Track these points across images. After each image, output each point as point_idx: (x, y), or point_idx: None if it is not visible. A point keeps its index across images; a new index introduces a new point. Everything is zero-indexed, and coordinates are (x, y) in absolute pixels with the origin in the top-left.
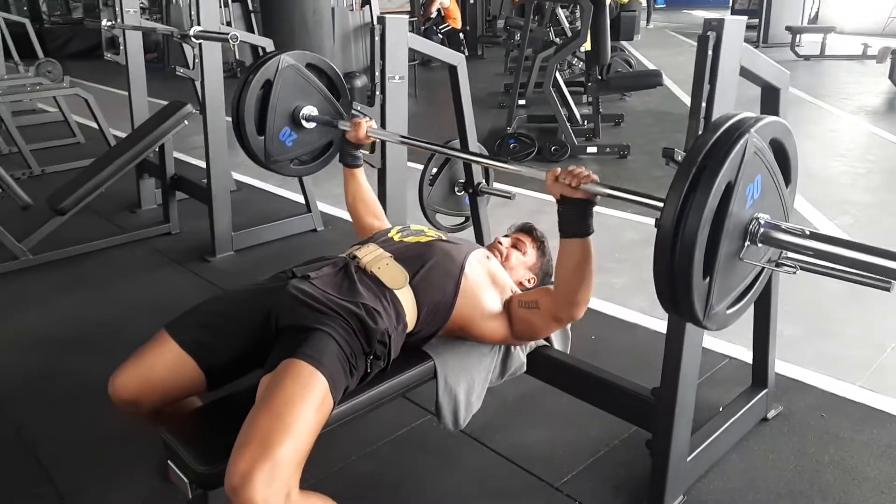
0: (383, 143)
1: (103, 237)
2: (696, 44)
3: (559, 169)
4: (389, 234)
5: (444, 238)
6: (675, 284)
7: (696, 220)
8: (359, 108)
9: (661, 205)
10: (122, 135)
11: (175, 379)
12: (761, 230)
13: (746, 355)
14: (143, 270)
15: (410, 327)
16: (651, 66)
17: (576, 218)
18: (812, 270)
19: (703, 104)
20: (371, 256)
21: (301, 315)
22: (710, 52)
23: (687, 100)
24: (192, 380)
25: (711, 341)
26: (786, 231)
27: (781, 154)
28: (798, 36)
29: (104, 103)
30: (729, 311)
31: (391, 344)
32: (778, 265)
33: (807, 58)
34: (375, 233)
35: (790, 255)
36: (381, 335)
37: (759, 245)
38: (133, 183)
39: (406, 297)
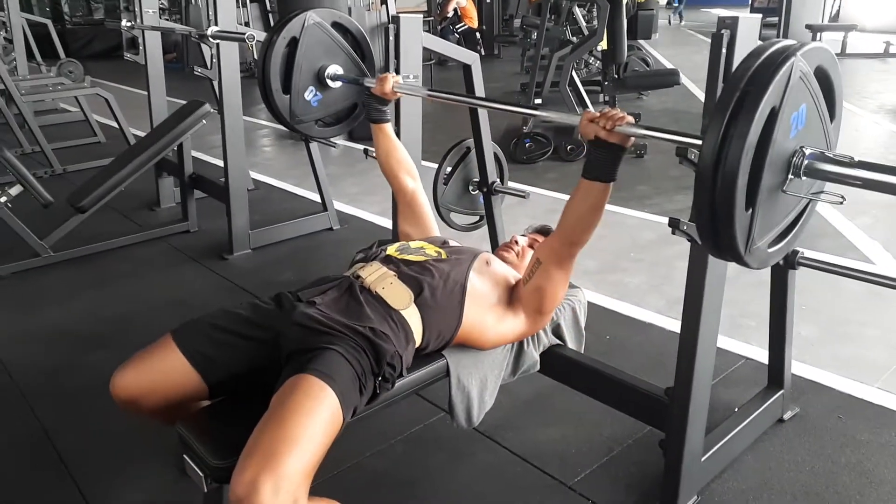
0: (398, 127)
1: (123, 235)
2: None
3: (595, 111)
4: (388, 252)
5: (443, 255)
6: (715, 215)
7: (739, 148)
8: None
9: (699, 142)
10: (142, 134)
11: (177, 386)
12: (805, 162)
13: (762, 356)
14: (161, 268)
15: (418, 344)
16: (668, 65)
17: (606, 161)
18: (829, 271)
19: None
20: (375, 276)
21: (309, 340)
22: (723, 51)
23: (704, 98)
24: (195, 388)
25: (727, 342)
26: (831, 161)
27: (826, 84)
28: (819, 34)
29: (124, 103)
30: (771, 250)
31: (401, 365)
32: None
33: None
34: (374, 248)
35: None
36: (391, 357)
37: (804, 178)
38: (152, 181)
39: (412, 317)
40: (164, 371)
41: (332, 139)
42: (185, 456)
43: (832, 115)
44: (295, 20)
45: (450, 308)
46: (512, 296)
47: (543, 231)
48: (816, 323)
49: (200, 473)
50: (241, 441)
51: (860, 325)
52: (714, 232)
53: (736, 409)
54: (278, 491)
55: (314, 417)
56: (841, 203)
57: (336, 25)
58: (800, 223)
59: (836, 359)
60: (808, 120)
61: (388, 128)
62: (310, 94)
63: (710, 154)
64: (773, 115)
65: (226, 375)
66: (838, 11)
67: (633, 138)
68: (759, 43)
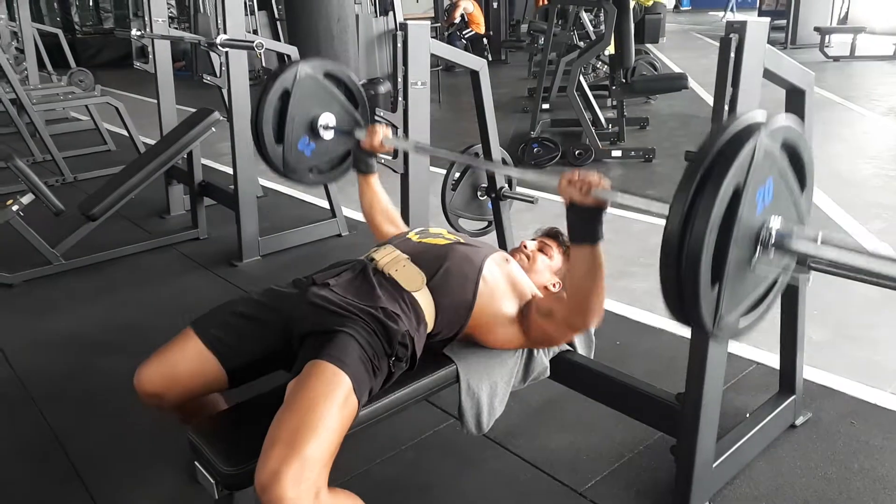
0: (406, 133)
1: (133, 242)
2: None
3: (575, 173)
4: (408, 236)
5: (462, 241)
6: (682, 292)
7: (703, 226)
8: (381, 113)
9: (667, 211)
10: (152, 142)
11: (198, 375)
12: (773, 237)
13: (773, 360)
14: (171, 275)
15: (430, 328)
16: (676, 69)
17: (585, 223)
18: (838, 274)
19: (727, 107)
20: (388, 259)
21: (323, 321)
22: (732, 55)
23: (712, 103)
24: (215, 376)
25: (738, 346)
26: (798, 237)
27: (795, 157)
28: (827, 37)
29: (134, 111)
30: (742, 321)
31: (413, 345)
32: (803, 268)
33: (836, 59)
34: (393, 236)
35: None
36: (401, 337)
37: (772, 252)
38: (162, 189)
39: (424, 299)
40: (185, 360)
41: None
42: (195, 462)
43: (802, 186)
44: (287, 72)
45: (463, 292)
46: (523, 310)
47: (552, 234)
48: (827, 327)
49: (211, 480)
50: (252, 448)
51: (872, 329)
52: (680, 308)
53: (747, 415)
54: (300, 479)
55: (330, 404)
56: (808, 280)
57: (328, 75)
58: (773, 292)
59: (848, 363)
60: (775, 194)
61: (375, 179)
62: (303, 145)
63: (674, 232)
64: (737, 194)
65: (244, 360)
66: (847, 14)
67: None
68: (727, 119)
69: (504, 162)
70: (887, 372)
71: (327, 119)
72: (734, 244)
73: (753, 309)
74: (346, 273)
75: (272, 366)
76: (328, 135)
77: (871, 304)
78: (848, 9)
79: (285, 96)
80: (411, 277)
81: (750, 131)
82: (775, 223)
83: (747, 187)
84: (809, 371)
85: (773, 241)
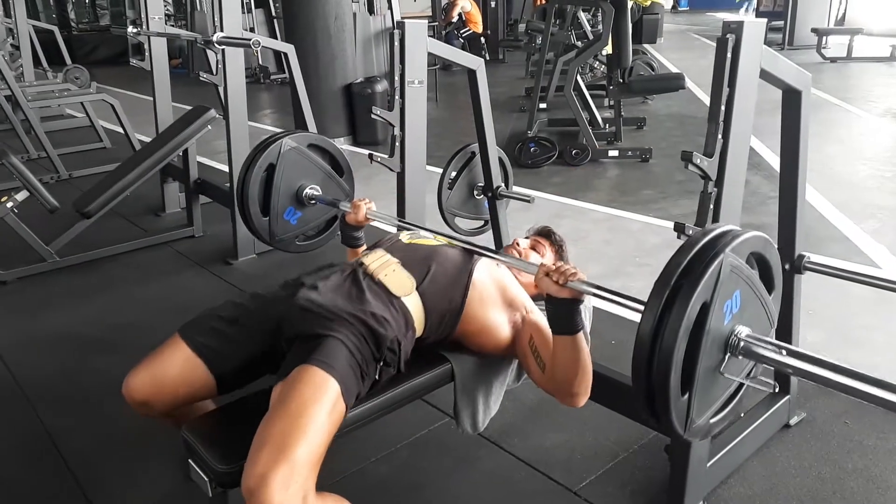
0: (402, 144)
1: (128, 240)
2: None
3: (553, 266)
4: (399, 237)
5: (452, 243)
6: (653, 402)
7: (672, 339)
8: (378, 112)
9: (641, 308)
10: (147, 139)
11: (186, 382)
12: (741, 344)
13: None
14: (166, 273)
15: (419, 333)
16: (674, 70)
17: (563, 315)
18: (833, 275)
19: (723, 107)
20: (378, 263)
21: (311, 324)
22: (729, 55)
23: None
24: (203, 383)
25: None
26: (764, 346)
27: (763, 265)
28: (824, 38)
29: (130, 108)
30: (713, 421)
31: (401, 351)
32: (760, 382)
33: (833, 60)
34: (385, 238)
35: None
36: (390, 342)
37: (740, 357)
38: (157, 187)
39: (413, 304)
40: (174, 367)
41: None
42: (189, 461)
43: (770, 289)
44: (272, 146)
45: (453, 297)
46: (515, 322)
47: (544, 233)
48: (823, 328)
49: (205, 478)
50: (245, 446)
51: (867, 330)
52: (652, 413)
53: (742, 415)
54: (289, 483)
55: (318, 408)
56: (773, 391)
57: (312, 147)
58: (741, 391)
59: (843, 364)
60: (743, 302)
61: (361, 253)
62: (289, 214)
63: (644, 343)
64: (705, 308)
65: (232, 365)
66: (844, 15)
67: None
68: (695, 233)
69: (501, 162)
70: (882, 373)
71: (313, 190)
72: (703, 354)
73: (722, 409)
74: (335, 276)
75: (261, 370)
76: (313, 203)
77: (866, 306)
78: (845, 10)
79: (270, 169)
80: (401, 282)
81: (716, 250)
82: (743, 332)
83: (714, 302)
84: None
85: (741, 349)
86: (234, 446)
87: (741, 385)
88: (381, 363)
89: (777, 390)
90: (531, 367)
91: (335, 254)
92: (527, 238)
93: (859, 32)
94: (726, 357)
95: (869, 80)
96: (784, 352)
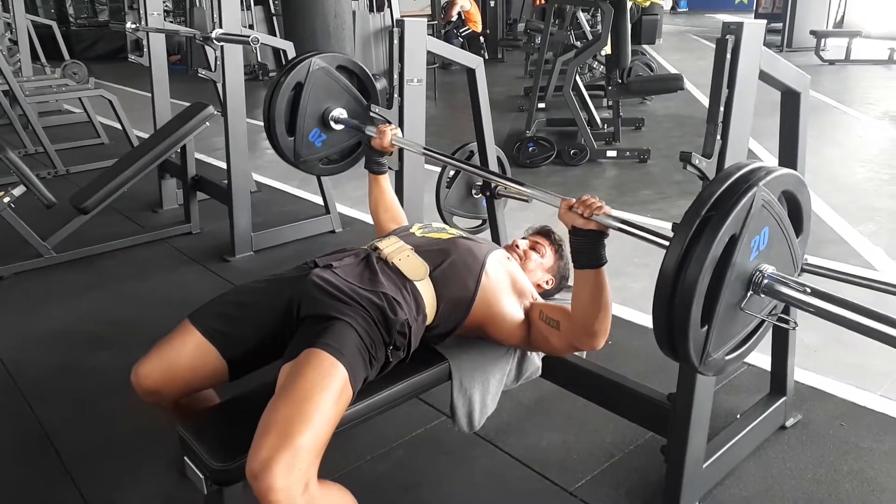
0: (402, 129)
1: (125, 236)
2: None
3: (573, 199)
4: (411, 230)
5: (465, 236)
6: (672, 331)
7: (697, 270)
8: (377, 110)
9: (667, 243)
10: (145, 135)
11: (197, 368)
12: (765, 282)
13: (764, 361)
14: (163, 269)
15: (430, 320)
16: (672, 70)
17: (588, 248)
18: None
19: (722, 108)
20: (392, 248)
21: (322, 304)
22: (728, 56)
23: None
24: (215, 369)
25: None
26: (788, 285)
27: (793, 205)
28: (823, 40)
29: (128, 104)
30: (728, 358)
31: (411, 335)
32: (780, 319)
33: (832, 62)
34: (396, 228)
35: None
36: (401, 325)
37: (762, 296)
38: (155, 183)
39: (426, 289)
40: (185, 353)
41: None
42: (185, 458)
43: (798, 231)
44: (300, 65)
45: (465, 285)
46: (525, 310)
47: (544, 232)
48: (819, 330)
49: (201, 475)
50: (242, 443)
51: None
52: (670, 343)
53: (738, 416)
54: (292, 469)
55: (325, 394)
56: (794, 328)
57: (341, 68)
58: (759, 331)
59: (839, 366)
60: (770, 241)
61: (384, 179)
62: (314, 136)
63: (669, 273)
64: (732, 241)
65: (244, 349)
66: (843, 17)
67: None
68: (731, 164)
69: (500, 161)
70: (877, 375)
71: (339, 112)
72: (726, 288)
73: (739, 347)
74: (349, 258)
75: (272, 353)
76: (339, 127)
77: None
78: (844, 13)
79: (298, 88)
80: (415, 267)
81: (749, 182)
82: (767, 269)
83: (743, 236)
84: (800, 373)
85: (764, 286)
86: (229, 444)
87: (758, 327)
88: (391, 347)
89: (795, 327)
90: (546, 336)
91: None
92: (525, 239)
93: (858, 35)
94: (748, 294)
95: (867, 83)
96: (808, 289)
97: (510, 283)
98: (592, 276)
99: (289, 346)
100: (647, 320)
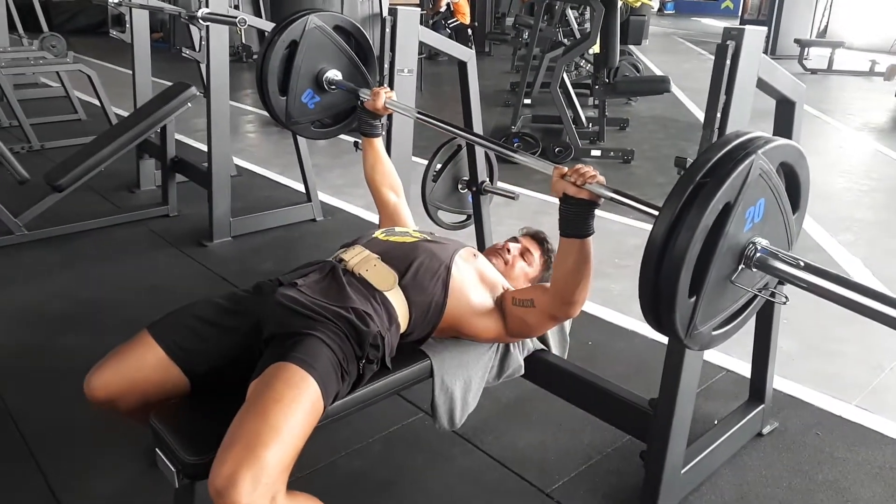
0: (389, 132)
1: (100, 216)
2: (702, 51)
3: (566, 167)
4: (374, 235)
5: (429, 238)
6: (658, 299)
7: (688, 238)
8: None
9: (656, 213)
10: (125, 113)
11: (156, 382)
12: (757, 255)
13: (742, 367)
14: (138, 252)
15: (403, 328)
16: (658, 72)
17: (577, 217)
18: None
19: (719, 114)
20: (358, 258)
21: (290, 322)
22: (728, 62)
23: (693, 108)
24: (175, 384)
25: (708, 353)
26: (781, 259)
27: (792, 179)
28: (806, 49)
29: (107, 81)
30: (715, 333)
31: (384, 346)
32: (773, 294)
33: (814, 71)
34: (360, 237)
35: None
36: (373, 338)
37: (754, 270)
38: (133, 162)
39: (396, 298)
40: (143, 368)
41: None
42: (156, 450)
43: (795, 207)
44: (296, 23)
45: (435, 289)
46: (498, 302)
47: (539, 239)
48: (797, 338)
49: (172, 469)
50: (215, 437)
51: (841, 342)
52: (655, 313)
53: (716, 422)
54: (257, 484)
55: (295, 408)
56: (784, 303)
57: (339, 29)
58: (749, 309)
59: (816, 375)
60: (765, 213)
61: (378, 142)
62: (307, 97)
63: (657, 240)
64: (726, 210)
65: (207, 368)
66: (826, 27)
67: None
68: (728, 133)
69: (487, 155)
70: (854, 385)
71: (334, 74)
72: (717, 259)
73: (727, 323)
74: (313, 273)
75: (236, 373)
76: (334, 89)
77: (841, 318)
78: (828, 23)
79: (293, 47)
80: (383, 277)
81: (748, 150)
82: (761, 242)
83: (737, 205)
84: (778, 381)
85: (756, 260)
86: (203, 437)
87: (747, 305)
88: (364, 360)
89: (785, 302)
90: (523, 317)
91: (317, 238)
92: (517, 243)
93: (841, 45)
94: (740, 268)
95: (848, 94)
96: (802, 263)
97: (478, 279)
98: (577, 246)
99: (259, 363)
100: (628, 322)
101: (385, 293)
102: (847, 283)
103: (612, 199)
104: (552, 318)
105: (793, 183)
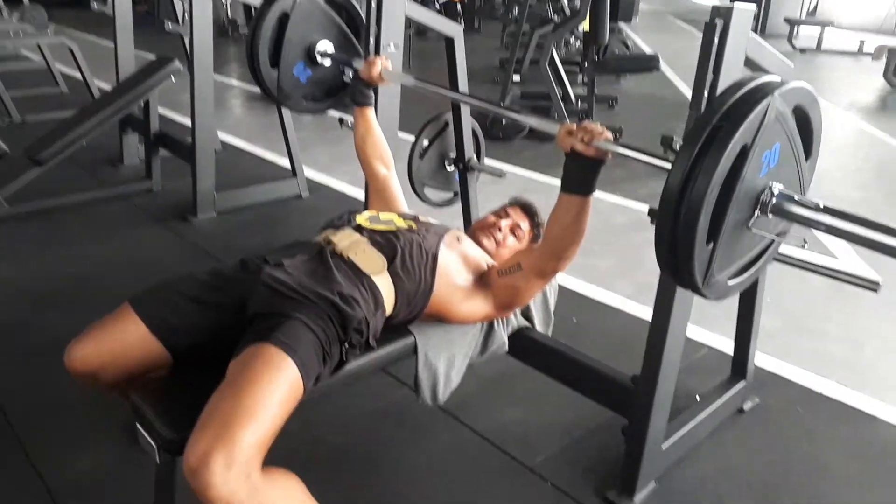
0: (375, 108)
1: (82, 191)
2: (694, 30)
3: (574, 124)
4: (358, 221)
5: (413, 227)
6: (676, 247)
7: (706, 183)
8: (351, 74)
9: (669, 165)
10: (107, 87)
11: (138, 356)
12: (773, 200)
13: (724, 344)
14: (122, 227)
15: (388, 312)
16: (648, 50)
17: (582, 174)
18: (803, 268)
19: (706, 93)
20: (347, 241)
21: (274, 303)
22: (716, 41)
23: (683, 86)
24: (157, 358)
25: (691, 329)
26: (799, 203)
27: (805, 123)
28: (796, 28)
29: (89, 54)
30: (731, 282)
31: (369, 331)
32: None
33: (803, 51)
34: (344, 217)
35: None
36: (357, 323)
37: (770, 216)
38: (116, 137)
39: (384, 283)
40: (125, 341)
41: None
42: (137, 425)
43: (808, 154)
44: None
45: (422, 277)
46: (483, 279)
47: (529, 212)
48: (780, 316)
49: (153, 444)
50: (197, 412)
51: (822, 320)
52: (672, 262)
53: (697, 398)
54: (231, 464)
55: (272, 389)
56: (803, 247)
57: (329, 1)
58: (764, 257)
59: (798, 352)
60: (781, 158)
61: (370, 112)
62: (298, 70)
63: (675, 186)
64: (743, 153)
65: (190, 343)
66: (816, 6)
67: (610, 153)
68: (741, 76)
69: (475, 133)
70: (833, 362)
71: (325, 46)
72: (734, 204)
73: (742, 272)
74: (301, 254)
75: (220, 347)
76: (326, 62)
77: (822, 296)
78: (817, 2)
79: (283, 19)
80: (372, 261)
81: (764, 91)
82: (777, 187)
83: (754, 148)
84: (759, 357)
85: (772, 205)
86: (185, 412)
87: (762, 253)
88: (347, 345)
89: (805, 244)
90: (512, 284)
91: (302, 215)
92: (506, 218)
93: (830, 25)
94: (755, 214)
95: (836, 73)
96: (822, 205)
97: (463, 264)
98: (578, 203)
99: (239, 343)
100: (613, 300)
101: (373, 277)
102: (868, 223)
103: (621, 153)
104: (541, 275)
105: (805, 128)
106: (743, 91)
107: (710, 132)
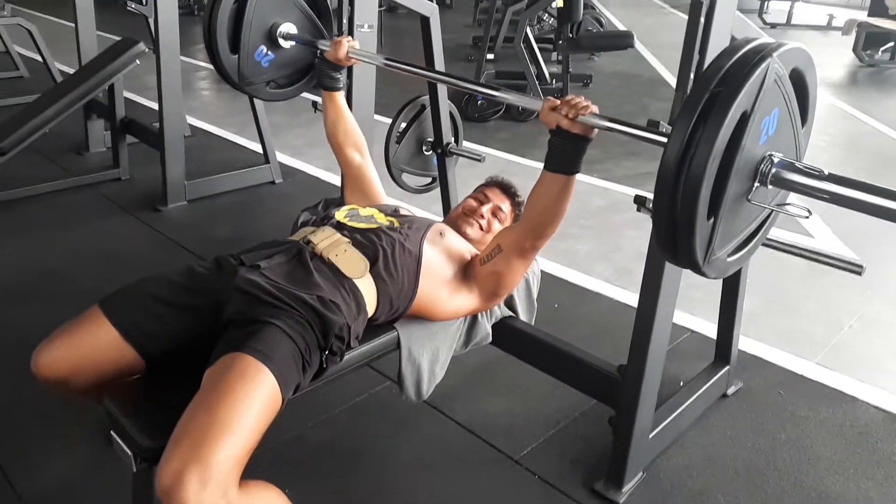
0: (350, 90)
1: (47, 180)
2: (666, 6)
3: (558, 100)
4: (337, 218)
5: (395, 223)
6: (675, 224)
7: (706, 153)
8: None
9: (665, 140)
10: (69, 70)
11: (109, 363)
12: (773, 170)
13: (707, 328)
14: (89, 217)
15: (371, 315)
16: (621, 27)
17: (567, 152)
18: (786, 251)
19: (692, 75)
20: (328, 241)
21: (251, 309)
22: (702, 20)
23: (656, 63)
24: (129, 364)
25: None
26: (801, 171)
27: (801, 87)
28: (766, 3)
29: (49, 36)
30: (730, 259)
31: (350, 337)
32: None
33: (773, 25)
34: (320, 208)
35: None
36: (339, 329)
37: (770, 187)
38: (80, 123)
39: (366, 286)
40: (96, 346)
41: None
42: (112, 433)
43: (804, 120)
44: None
45: (405, 279)
46: (467, 272)
47: (511, 194)
48: (759, 296)
49: (129, 453)
50: (173, 420)
51: (802, 300)
52: (672, 240)
53: (681, 384)
54: (206, 483)
55: (248, 402)
56: (807, 217)
57: None
58: (762, 231)
59: (779, 333)
60: (779, 125)
61: (340, 97)
62: (260, 55)
63: (673, 158)
64: (743, 120)
65: (163, 348)
66: None
67: (596, 129)
68: (736, 39)
69: (452, 116)
70: (814, 343)
71: (288, 28)
72: (734, 176)
73: (742, 247)
74: (278, 255)
75: (195, 352)
76: (288, 45)
77: (801, 276)
78: None
79: (241, 1)
80: (353, 263)
81: (762, 53)
82: (777, 156)
83: (754, 114)
84: (741, 340)
85: (772, 175)
86: (161, 420)
87: (760, 226)
88: (327, 352)
89: (808, 216)
90: (495, 270)
91: (276, 202)
92: (487, 203)
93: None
94: (754, 185)
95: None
96: (825, 173)
97: (447, 260)
98: (562, 182)
99: (214, 351)
100: (594, 284)
101: (355, 281)
102: (874, 189)
103: (608, 128)
104: (521, 253)
105: (802, 93)
106: (740, 54)
107: (707, 99)
